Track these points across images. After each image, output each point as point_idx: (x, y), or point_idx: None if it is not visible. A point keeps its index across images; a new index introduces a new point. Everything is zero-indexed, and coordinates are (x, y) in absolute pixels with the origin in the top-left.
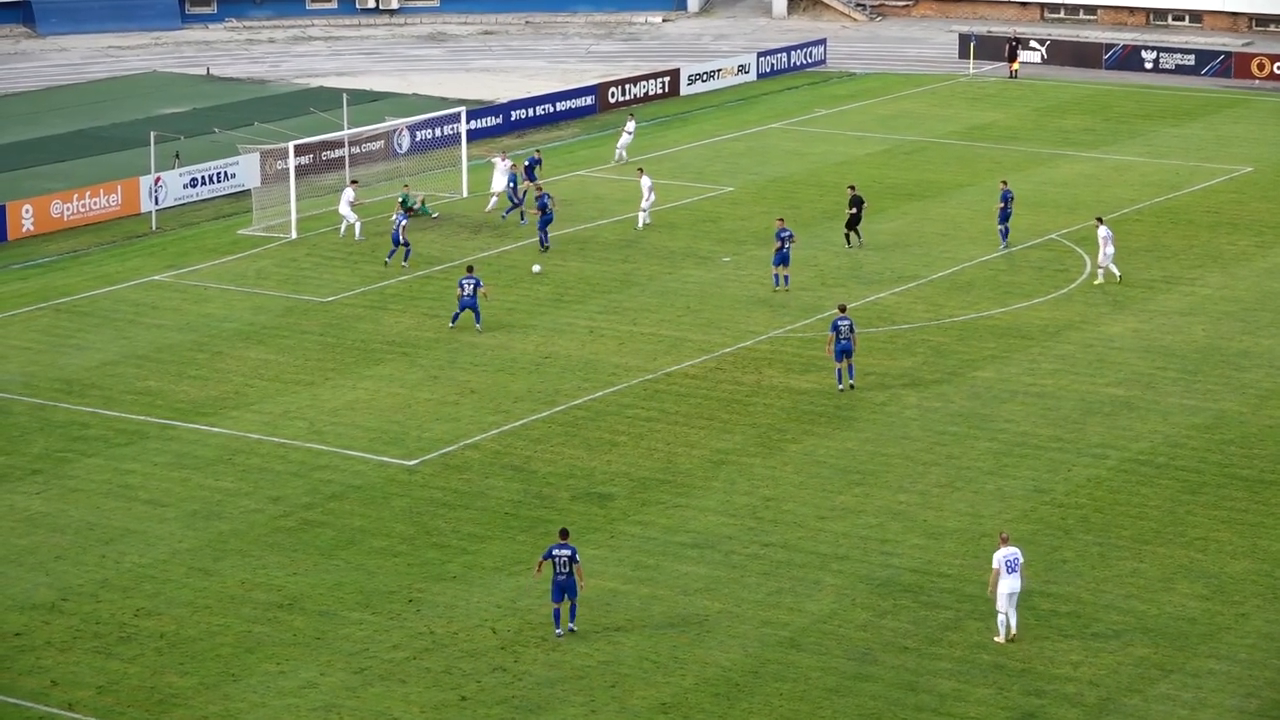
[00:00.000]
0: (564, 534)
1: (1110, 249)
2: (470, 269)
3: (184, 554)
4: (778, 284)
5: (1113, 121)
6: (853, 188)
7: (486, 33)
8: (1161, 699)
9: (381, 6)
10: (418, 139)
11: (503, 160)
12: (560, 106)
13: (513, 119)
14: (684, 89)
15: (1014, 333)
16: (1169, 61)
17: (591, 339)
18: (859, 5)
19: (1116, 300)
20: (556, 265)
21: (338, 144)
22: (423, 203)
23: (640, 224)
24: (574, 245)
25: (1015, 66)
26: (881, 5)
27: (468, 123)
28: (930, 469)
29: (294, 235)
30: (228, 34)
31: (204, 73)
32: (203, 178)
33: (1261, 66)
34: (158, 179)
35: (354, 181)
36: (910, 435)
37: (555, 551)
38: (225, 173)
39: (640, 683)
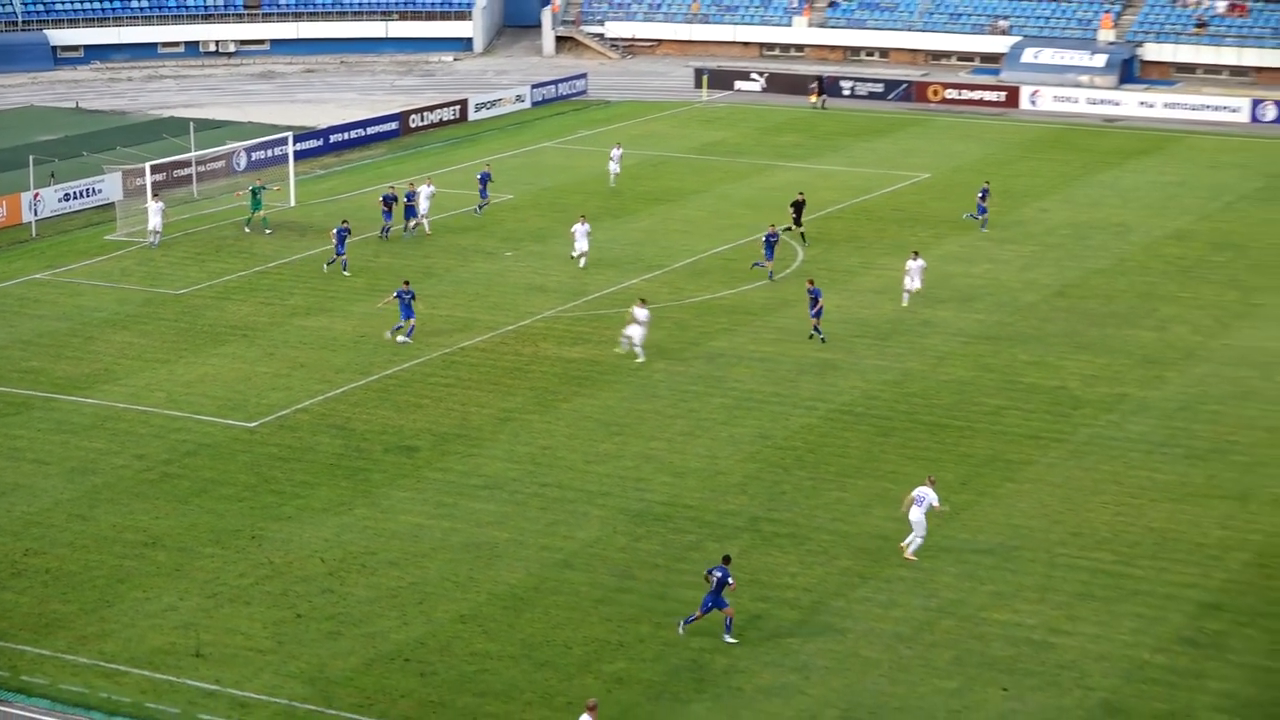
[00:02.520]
0: (725, 560)
1: (917, 282)
2: (407, 282)
3: (65, 503)
4: (771, 276)
5: (818, 138)
6: (800, 194)
7: (309, 71)
8: (861, 600)
9: (221, 51)
10: (253, 159)
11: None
12: (370, 130)
13: (332, 141)
14: (472, 115)
15: (741, 310)
16: (863, 89)
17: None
18: (613, 46)
19: (823, 282)
20: (369, 260)
21: (186, 164)
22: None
23: (613, 180)
24: (385, 245)
25: (823, 99)
26: (631, 46)
27: (294, 144)
28: (675, 421)
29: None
30: (93, 74)
31: (74, 106)
32: (74, 193)
33: (936, 92)
34: (36, 195)
35: (156, 195)
36: (659, 394)
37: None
38: (93, 189)
39: (443, 599)
